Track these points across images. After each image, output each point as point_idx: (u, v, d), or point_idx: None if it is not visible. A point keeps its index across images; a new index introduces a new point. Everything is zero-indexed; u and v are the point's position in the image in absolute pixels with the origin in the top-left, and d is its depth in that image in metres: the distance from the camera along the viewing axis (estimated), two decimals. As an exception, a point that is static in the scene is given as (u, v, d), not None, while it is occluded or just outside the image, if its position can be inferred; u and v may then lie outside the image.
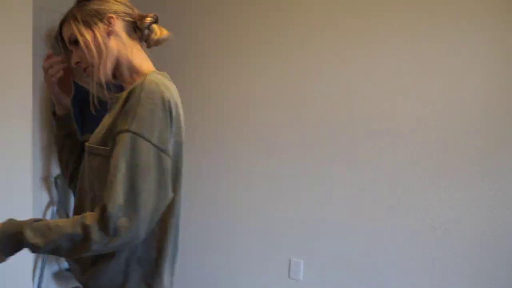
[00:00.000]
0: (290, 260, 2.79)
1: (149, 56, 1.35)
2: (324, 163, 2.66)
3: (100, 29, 1.27)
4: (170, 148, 1.18)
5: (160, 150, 1.14)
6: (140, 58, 1.30)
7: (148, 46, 1.34)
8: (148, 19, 1.31)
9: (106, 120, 1.25)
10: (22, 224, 1.14)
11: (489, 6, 2.25)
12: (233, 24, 2.86)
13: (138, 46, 1.32)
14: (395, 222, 2.50)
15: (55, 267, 2.74)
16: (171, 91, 1.22)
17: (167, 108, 1.16)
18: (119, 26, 1.28)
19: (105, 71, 1.25)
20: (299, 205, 2.74)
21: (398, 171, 2.48)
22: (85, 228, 1.09)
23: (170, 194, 1.18)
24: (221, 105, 2.94)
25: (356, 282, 2.62)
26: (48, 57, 1.40)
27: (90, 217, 1.10)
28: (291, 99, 2.72)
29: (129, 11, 1.32)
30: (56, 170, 3.10)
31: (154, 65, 1.34)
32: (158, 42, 1.32)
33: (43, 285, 2.64)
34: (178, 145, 1.23)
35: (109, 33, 1.27)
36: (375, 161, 2.52)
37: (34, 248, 1.12)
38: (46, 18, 2.97)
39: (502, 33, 2.24)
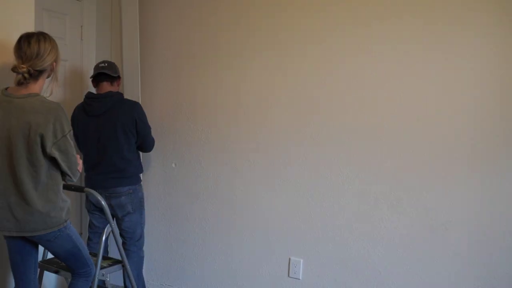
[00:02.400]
0: (289, 259, 2.79)
1: None
2: (324, 162, 2.66)
3: None
4: None
5: None
6: None
7: None
8: None
9: None
10: None
11: (487, 8, 2.26)
12: (237, 24, 2.87)
13: None
14: (395, 222, 2.50)
15: None
16: None
17: None
18: None
19: None
20: (299, 204, 2.74)
21: (398, 171, 2.48)
22: None
23: None
24: (222, 104, 2.94)
25: (355, 281, 2.62)
26: None
27: None
28: (291, 100, 2.72)
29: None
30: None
31: None
32: None
33: None
34: None
35: None
36: (375, 161, 2.53)
37: None
38: (48, 19, 2.98)
39: (500, 35, 2.24)
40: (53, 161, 2.04)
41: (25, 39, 1.97)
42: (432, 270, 2.44)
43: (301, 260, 2.76)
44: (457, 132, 2.35)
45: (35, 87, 2.02)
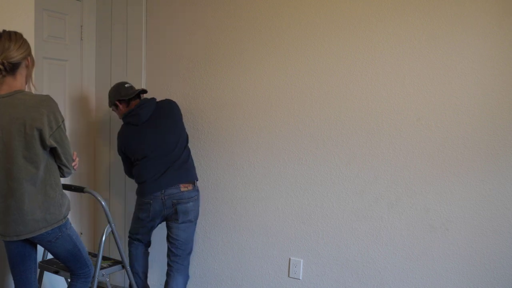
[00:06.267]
0: (289, 259, 2.79)
1: None
2: (324, 162, 2.66)
3: None
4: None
5: None
6: None
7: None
8: None
9: None
10: None
11: (488, 9, 2.26)
12: (238, 25, 2.87)
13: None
14: (395, 222, 2.50)
15: None
16: None
17: None
18: None
19: None
20: (299, 204, 2.74)
21: (398, 171, 2.48)
22: None
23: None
24: (222, 104, 2.95)
25: (355, 281, 2.62)
26: None
27: None
28: (292, 99, 2.73)
29: None
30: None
31: None
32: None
33: None
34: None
35: None
36: (375, 161, 2.53)
37: None
38: (48, 19, 2.99)
39: (501, 35, 2.24)
40: (51, 155, 2.05)
41: None
42: (432, 270, 2.44)
43: (301, 260, 2.76)
44: (457, 132, 2.35)
45: (16, 84, 2.03)
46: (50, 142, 1.99)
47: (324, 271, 2.70)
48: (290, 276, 2.79)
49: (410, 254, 2.48)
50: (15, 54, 1.99)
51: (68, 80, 3.17)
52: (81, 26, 3.23)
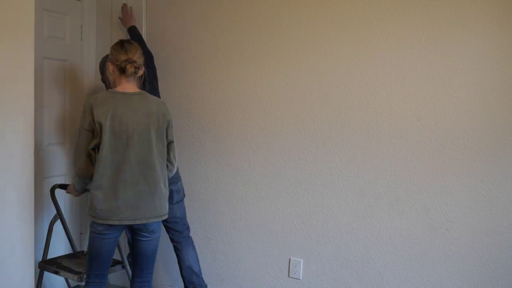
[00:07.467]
0: (289, 259, 2.79)
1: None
2: (324, 162, 2.66)
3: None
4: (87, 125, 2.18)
5: (80, 126, 2.22)
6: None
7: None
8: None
9: None
10: None
11: (488, 9, 2.26)
12: (238, 24, 2.87)
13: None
14: (395, 222, 2.50)
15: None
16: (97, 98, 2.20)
17: (85, 108, 2.19)
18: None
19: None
20: (299, 204, 2.74)
21: (398, 171, 2.49)
22: None
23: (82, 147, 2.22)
24: (222, 104, 2.95)
25: (355, 281, 2.62)
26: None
27: None
28: (292, 99, 2.73)
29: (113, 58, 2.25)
30: (56, 172, 3.11)
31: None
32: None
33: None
34: (98, 123, 2.16)
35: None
36: (375, 161, 2.53)
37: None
38: (48, 19, 2.99)
39: (501, 35, 2.24)
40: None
41: (121, 42, 2.27)
42: (432, 270, 2.44)
43: (301, 260, 2.76)
44: (457, 132, 2.35)
45: (135, 87, 2.27)
46: (172, 136, 2.29)
47: (324, 271, 2.70)
48: (290, 276, 2.79)
49: (410, 254, 2.48)
50: (141, 60, 2.26)
51: (68, 80, 3.17)
52: (81, 26, 3.23)
